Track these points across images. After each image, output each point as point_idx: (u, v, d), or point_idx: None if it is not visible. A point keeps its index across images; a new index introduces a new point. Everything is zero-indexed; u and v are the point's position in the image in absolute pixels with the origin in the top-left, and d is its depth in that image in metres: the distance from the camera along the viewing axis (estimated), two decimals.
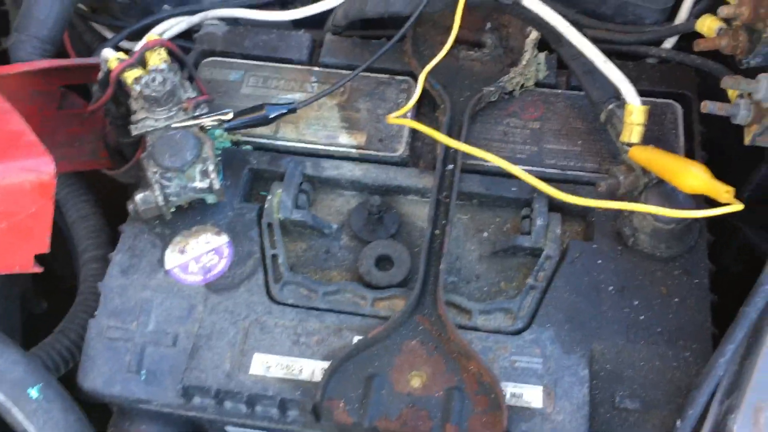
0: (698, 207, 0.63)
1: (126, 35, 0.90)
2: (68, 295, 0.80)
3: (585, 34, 0.68)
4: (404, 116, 0.72)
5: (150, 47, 0.72)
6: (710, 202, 0.61)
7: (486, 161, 0.71)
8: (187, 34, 0.90)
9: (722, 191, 0.56)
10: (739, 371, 0.53)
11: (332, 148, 0.74)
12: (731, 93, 0.68)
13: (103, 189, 0.89)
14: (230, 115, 0.70)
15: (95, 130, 0.83)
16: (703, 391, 0.52)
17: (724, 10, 0.65)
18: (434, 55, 0.76)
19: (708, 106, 0.64)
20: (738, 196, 0.81)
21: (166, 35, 0.88)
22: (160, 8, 0.91)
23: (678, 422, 0.52)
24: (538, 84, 0.77)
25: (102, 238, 0.83)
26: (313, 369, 0.62)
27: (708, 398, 0.52)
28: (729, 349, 0.52)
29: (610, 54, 0.78)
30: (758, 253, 0.81)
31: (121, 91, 0.73)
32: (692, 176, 0.58)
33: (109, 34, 0.95)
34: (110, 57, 0.72)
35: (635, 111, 0.64)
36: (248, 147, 0.74)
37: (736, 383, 0.52)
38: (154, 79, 0.69)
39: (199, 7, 0.89)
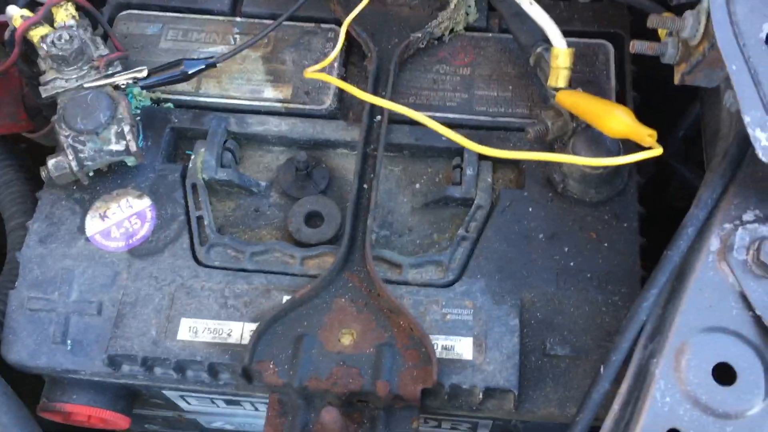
0: (626, 151, 0.63)
1: None
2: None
3: None
4: (328, 68, 0.69)
5: (56, 2, 0.68)
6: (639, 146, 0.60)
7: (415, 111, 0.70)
8: None
9: (645, 135, 0.55)
10: (663, 315, 0.53)
11: (257, 103, 0.71)
12: (661, 32, 0.66)
13: (31, 151, 0.86)
14: (145, 72, 0.67)
15: (12, 91, 0.79)
16: (626, 336, 0.52)
17: None
18: (360, 1, 0.73)
19: (636, 46, 0.63)
20: (673, 135, 0.82)
21: None
22: None
23: (601, 368, 0.53)
24: (468, 28, 0.75)
25: (27, 205, 0.80)
26: (241, 331, 0.61)
27: (631, 343, 0.52)
28: (652, 294, 0.52)
29: None
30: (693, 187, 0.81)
31: (33, 50, 0.69)
32: (616, 120, 0.57)
33: None
34: (14, 14, 0.68)
35: (561, 54, 0.63)
36: (169, 105, 0.71)
37: (659, 328, 0.52)
38: (60, 37, 0.65)
39: None
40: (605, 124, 0.58)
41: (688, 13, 0.60)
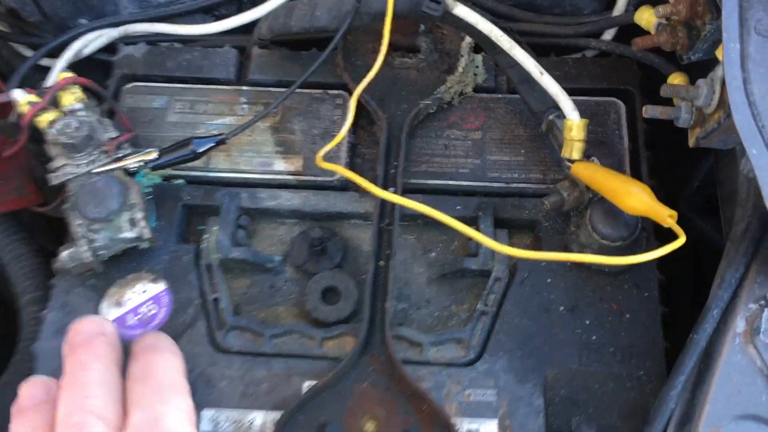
0: (644, 221, 0.62)
1: (44, 54, 0.84)
2: (17, 314, 0.77)
3: (519, 42, 0.65)
4: (338, 143, 0.69)
5: (61, 87, 0.67)
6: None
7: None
8: (110, 47, 0.85)
9: (665, 215, 0.54)
10: (692, 400, 0.52)
11: (268, 177, 0.71)
12: None
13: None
14: (155, 155, 0.66)
15: (20, 166, 0.79)
16: (655, 426, 0.51)
17: (660, 10, 0.62)
18: (367, 65, 0.72)
19: (649, 111, 0.63)
20: (687, 186, 0.81)
21: (86, 51, 0.84)
22: (76, 23, 0.85)
23: None
24: (477, 89, 0.74)
25: (39, 278, 0.79)
26: (264, 420, 0.60)
27: None
28: (680, 381, 0.52)
29: (549, 48, 0.76)
30: (708, 238, 0.81)
31: (39, 131, 0.69)
32: (634, 199, 0.56)
33: (28, 52, 0.89)
34: (21, 101, 0.67)
35: (574, 127, 0.62)
36: (180, 181, 0.71)
37: (689, 414, 0.51)
38: (68, 125, 0.65)
39: (119, 19, 0.84)
40: (623, 202, 0.57)
41: (701, 82, 0.60)
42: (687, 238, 0.81)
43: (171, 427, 0.41)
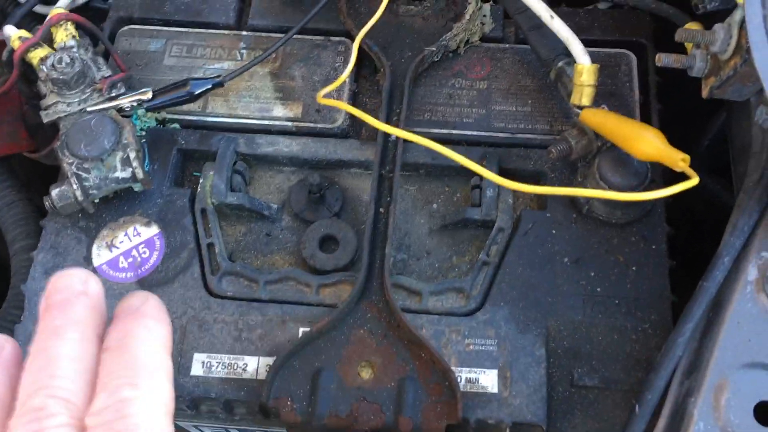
0: (653, 171, 0.60)
1: (37, 1, 0.82)
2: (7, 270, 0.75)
3: None
4: (340, 87, 0.67)
5: (55, 22, 0.65)
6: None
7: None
8: None
9: (677, 159, 0.52)
10: (699, 349, 0.50)
11: (266, 122, 0.68)
12: (688, 43, 0.63)
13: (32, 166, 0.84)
14: (150, 95, 0.64)
15: (12, 110, 0.76)
16: (660, 374, 0.50)
17: None
18: (371, 12, 0.70)
19: (663, 59, 0.60)
20: (698, 144, 0.79)
21: None
22: None
23: (636, 407, 0.50)
24: (484, 38, 0.72)
25: (30, 226, 0.78)
26: (257, 366, 0.58)
27: (666, 381, 0.50)
28: (687, 328, 0.50)
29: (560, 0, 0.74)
30: (717, 199, 0.79)
31: (32, 70, 0.67)
32: (645, 143, 0.54)
33: None
34: (12, 35, 0.65)
35: (585, 71, 0.60)
36: (176, 125, 0.69)
37: (696, 363, 0.50)
38: (60, 60, 0.63)
39: None
40: (634, 147, 0.55)
41: (718, 26, 0.57)
42: (698, 199, 0.79)
43: (137, 418, 0.34)
